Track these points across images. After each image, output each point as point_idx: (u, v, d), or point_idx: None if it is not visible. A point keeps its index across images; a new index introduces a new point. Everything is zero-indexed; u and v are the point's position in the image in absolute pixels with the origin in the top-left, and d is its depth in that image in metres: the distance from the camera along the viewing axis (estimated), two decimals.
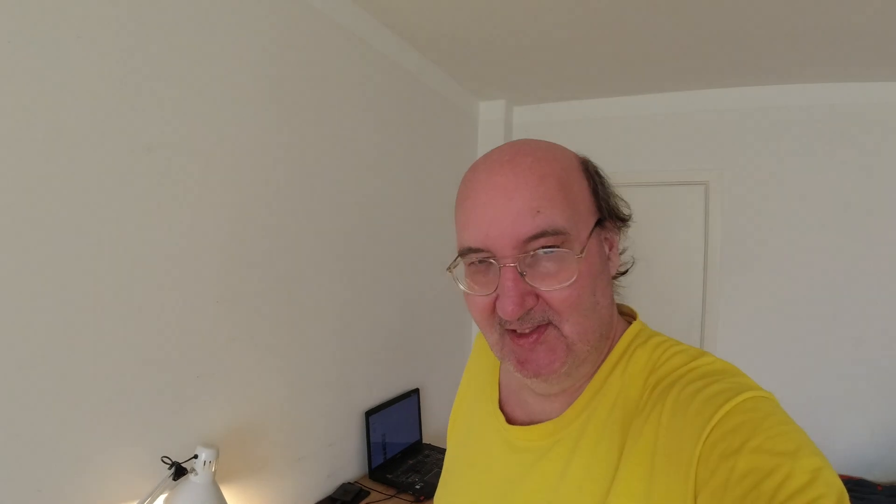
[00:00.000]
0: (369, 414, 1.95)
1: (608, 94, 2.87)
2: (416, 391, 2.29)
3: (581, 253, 0.49)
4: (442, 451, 2.13)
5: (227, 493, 1.32)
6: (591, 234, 0.51)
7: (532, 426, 0.58)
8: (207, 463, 1.19)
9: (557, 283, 0.48)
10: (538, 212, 0.48)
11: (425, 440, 2.29)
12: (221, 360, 1.40)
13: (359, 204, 1.98)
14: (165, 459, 1.20)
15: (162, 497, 1.20)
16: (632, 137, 2.88)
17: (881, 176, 2.44)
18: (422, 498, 1.79)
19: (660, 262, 2.80)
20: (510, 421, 0.62)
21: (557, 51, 2.28)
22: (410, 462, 2.05)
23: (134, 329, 1.18)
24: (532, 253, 0.48)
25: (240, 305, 1.45)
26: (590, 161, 0.56)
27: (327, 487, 1.79)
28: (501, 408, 0.64)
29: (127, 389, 1.16)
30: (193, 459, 1.20)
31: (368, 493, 1.80)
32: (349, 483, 1.83)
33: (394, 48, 2.16)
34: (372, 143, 2.06)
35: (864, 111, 2.46)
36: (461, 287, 0.54)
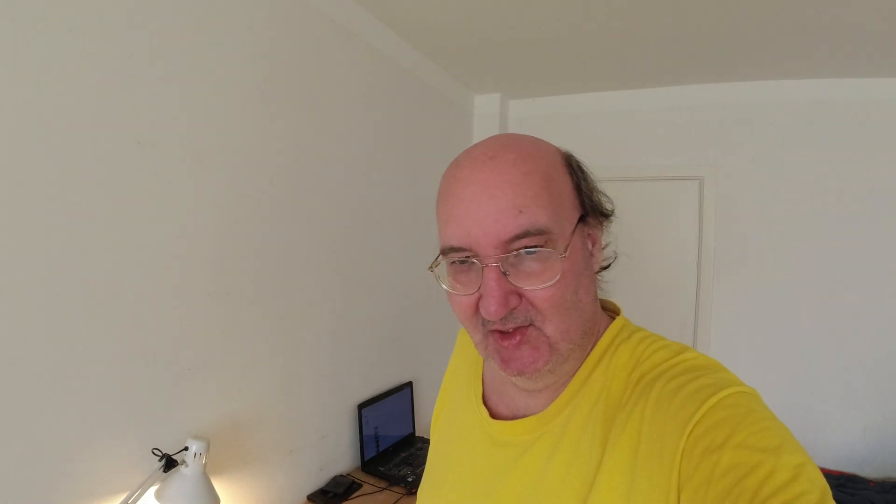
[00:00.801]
0: (362, 407, 1.95)
1: (604, 89, 2.86)
2: (409, 384, 2.29)
3: (564, 252, 0.48)
4: None
5: (218, 485, 1.32)
6: (574, 230, 0.50)
7: (515, 421, 0.57)
8: (198, 455, 1.19)
9: (541, 283, 0.48)
10: (521, 211, 0.47)
11: (418, 433, 2.29)
12: (213, 353, 1.39)
13: (353, 198, 1.97)
14: (156, 451, 1.20)
15: (152, 489, 1.20)
16: (627, 132, 2.88)
17: (878, 172, 2.44)
18: (413, 490, 1.79)
19: (653, 257, 2.80)
20: (494, 416, 0.61)
21: (553, 45, 2.26)
22: (403, 455, 2.06)
23: (126, 321, 1.17)
24: (515, 252, 0.47)
25: (232, 298, 1.45)
26: (573, 156, 0.55)
27: (319, 480, 1.80)
28: (485, 402, 0.64)
29: (118, 381, 1.16)
30: (184, 451, 1.20)
31: (360, 486, 1.81)
32: (341, 475, 1.84)
33: (388, 43, 2.14)
34: (366, 138, 2.05)
35: (861, 107, 2.46)
36: (443, 287, 0.53)
